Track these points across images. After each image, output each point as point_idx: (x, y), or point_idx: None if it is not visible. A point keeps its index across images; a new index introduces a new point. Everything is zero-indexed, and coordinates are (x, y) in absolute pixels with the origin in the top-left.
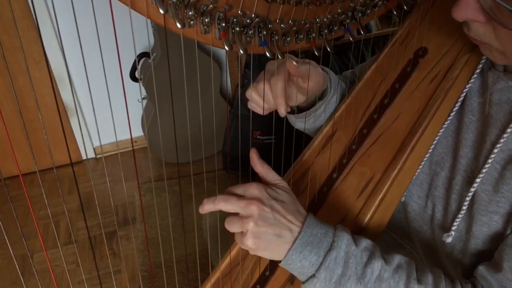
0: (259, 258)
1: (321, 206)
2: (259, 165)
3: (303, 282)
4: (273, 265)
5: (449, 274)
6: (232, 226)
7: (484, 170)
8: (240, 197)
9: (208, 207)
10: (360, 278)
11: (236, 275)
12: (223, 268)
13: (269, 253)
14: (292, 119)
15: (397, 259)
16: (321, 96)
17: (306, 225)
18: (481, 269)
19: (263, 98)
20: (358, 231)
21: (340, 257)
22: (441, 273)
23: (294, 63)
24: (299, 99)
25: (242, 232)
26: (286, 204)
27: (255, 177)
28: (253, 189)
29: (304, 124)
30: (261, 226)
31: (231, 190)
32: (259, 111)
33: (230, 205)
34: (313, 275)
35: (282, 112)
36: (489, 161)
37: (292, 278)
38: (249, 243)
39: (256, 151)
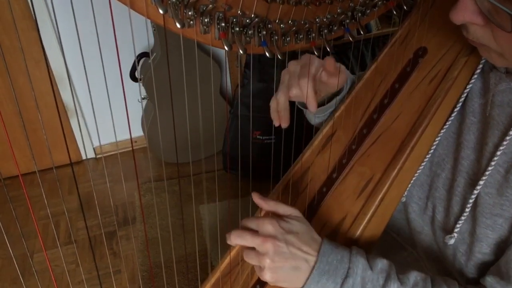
0: None
1: (320, 206)
2: (266, 204)
3: None
4: None
5: (452, 276)
6: (251, 260)
7: (487, 173)
8: (254, 232)
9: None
10: None
11: (236, 275)
12: (223, 268)
13: (288, 284)
14: (310, 115)
15: (413, 277)
16: (336, 93)
17: (321, 254)
18: (490, 281)
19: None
20: (358, 231)
21: (357, 283)
22: (456, 284)
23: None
24: (319, 95)
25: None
26: (300, 235)
27: (255, 177)
28: (266, 225)
29: (322, 119)
30: (277, 261)
31: (245, 224)
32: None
33: (245, 242)
34: None
35: (313, 108)
36: (492, 163)
37: None
38: (267, 277)
39: (256, 195)
